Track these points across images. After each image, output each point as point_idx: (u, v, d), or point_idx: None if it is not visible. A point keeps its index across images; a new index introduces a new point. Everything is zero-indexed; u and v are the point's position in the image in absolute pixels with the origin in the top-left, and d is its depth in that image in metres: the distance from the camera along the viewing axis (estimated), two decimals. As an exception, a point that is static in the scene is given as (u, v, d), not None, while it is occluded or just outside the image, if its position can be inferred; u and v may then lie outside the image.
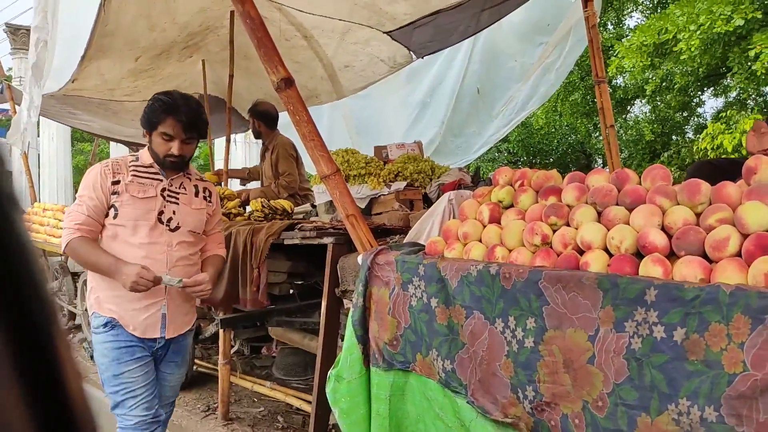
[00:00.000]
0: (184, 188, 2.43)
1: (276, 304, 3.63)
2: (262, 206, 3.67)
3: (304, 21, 3.91)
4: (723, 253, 1.49)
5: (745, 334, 1.27)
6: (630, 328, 1.47)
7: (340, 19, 3.87)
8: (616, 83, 12.07)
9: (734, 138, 7.31)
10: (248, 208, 4.03)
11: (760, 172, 1.60)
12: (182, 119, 2.24)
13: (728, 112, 8.27)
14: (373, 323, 2.12)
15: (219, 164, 6.30)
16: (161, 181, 2.36)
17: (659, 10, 10.55)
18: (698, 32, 6.71)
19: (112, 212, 2.27)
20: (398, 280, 2.01)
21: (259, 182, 5.02)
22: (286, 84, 1.98)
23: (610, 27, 12.11)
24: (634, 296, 1.47)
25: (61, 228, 2.72)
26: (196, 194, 2.46)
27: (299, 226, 3.16)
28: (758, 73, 6.80)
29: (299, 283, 3.77)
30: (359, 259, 2.19)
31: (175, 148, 2.28)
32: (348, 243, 2.69)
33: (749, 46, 6.74)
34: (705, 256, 1.54)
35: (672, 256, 1.61)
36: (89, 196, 2.25)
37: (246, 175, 5.19)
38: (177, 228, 2.36)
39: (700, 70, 8.46)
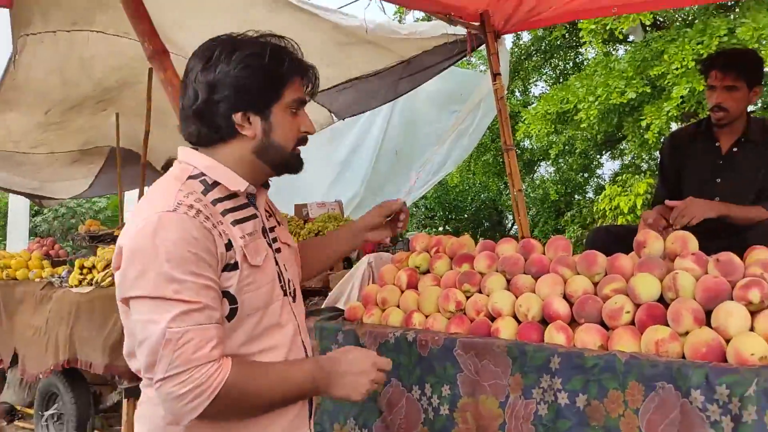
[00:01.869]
0: (268, 211, 1.42)
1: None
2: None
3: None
4: (618, 322, 1.61)
5: (639, 400, 1.38)
6: (537, 395, 1.54)
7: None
8: (524, 145, 12.85)
9: (629, 200, 7.94)
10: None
11: (649, 246, 1.76)
12: (312, 73, 1.34)
13: (624, 176, 9.01)
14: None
15: (128, 216, 6.05)
16: (256, 215, 1.33)
17: (561, 81, 11.47)
18: (596, 103, 7.36)
19: (222, 308, 1.23)
20: (316, 347, 2.01)
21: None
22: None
23: (517, 94, 12.99)
24: (540, 364, 1.56)
25: None
26: (270, 215, 1.44)
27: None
28: (650, 141, 7.49)
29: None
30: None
31: (307, 121, 1.35)
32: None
33: (641, 117, 7.44)
34: (603, 323, 1.66)
35: (573, 322, 1.73)
36: (204, 280, 1.15)
37: None
38: (294, 293, 1.41)
39: (599, 136, 9.21)
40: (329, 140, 5.45)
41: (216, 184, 1.26)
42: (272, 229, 1.38)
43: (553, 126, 8.46)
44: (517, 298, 1.83)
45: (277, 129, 1.28)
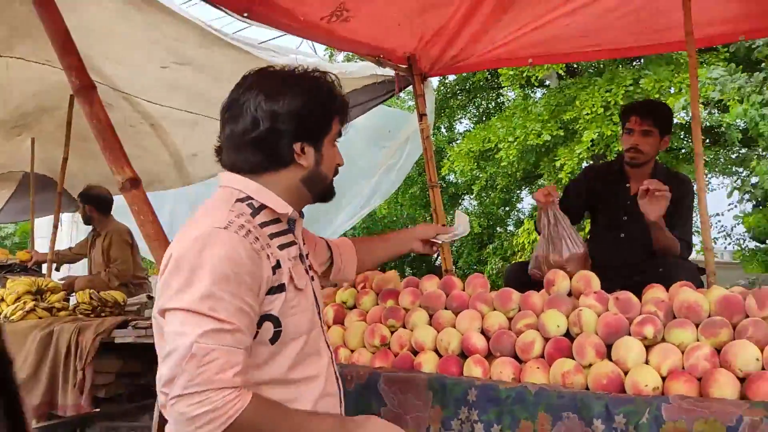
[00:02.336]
0: (303, 239, 1.45)
1: (101, 408, 3.32)
2: (90, 298, 3.41)
3: (152, 111, 3.89)
4: (530, 355, 1.73)
5: (548, 429, 1.48)
6: (456, 426, 1.62)
7: (191, 112, 3.91)
8: (450, 179, 13.29)
9: (546, 235, 8.37)
10: (73, 299, 3.71)
11: (557, 284, 1.91)
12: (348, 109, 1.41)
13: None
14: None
15: (39, 243, 5.74)
16: (295, 242, 1.36)
17: (484, 119, 12.03)
18: (515, 143, 7.79)
19: (265, 333, 1.23)
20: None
21: (87, 270, 4.67)
22: (131, 184, 1.97)
23: (443, 131, 13.47)
24: (459, 396, 1.64)
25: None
26: (304, 243, 1.47)
27: (133, 323, 2.99)
28: (563, 180, 7.98)
29: (130, 383, 3.49)
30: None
31: (340, 154, 1.41)
32: (189, 341, 2.61)
33: (556, 158, 7.92)
34: (516, 356, 1.78)
35: (490, 356, 1.83)
36: (242, 303, 1.14)
37: (70, 253, 4.83)
38: (323, 321, 1.46)
39: (518, 173, 9.70)
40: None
41: (262, 207, 1.28)
42: (306, 257, 1.42)
43: (475, 163, 8.85)
44: (438, 332, 1.92)
45: (325, 160, 1.35)
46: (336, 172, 1.41)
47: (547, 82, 10.15)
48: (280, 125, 1.26)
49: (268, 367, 1.23)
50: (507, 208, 13.51)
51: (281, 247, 1.28)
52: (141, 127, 4.21)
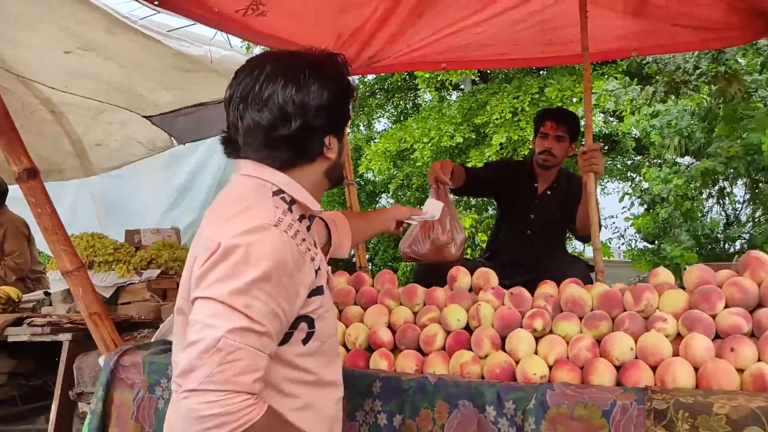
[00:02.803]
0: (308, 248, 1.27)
1: (-10, 411, 3.11)
2: (-20, 294, 3.18)
3: (52, 97, 3.66)
4: (432, 347, 1.82)
5: (445, 417, 1.58)
6: (360, 417, 1.68)
7: (94, 99, 3.72)
8: (368, 177, 13.40)
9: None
10: (-39, 296, 3.44)
11: (459, 280, 2.02)
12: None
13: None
14: (113, 430, 2.00)
15: None
16: (315, 244, 1.30)
17: (402, 119, 12.23)
18: (429, 144, 8.01)
19: (299, 334, 1.20)
20: (144, 382, 1.96)
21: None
22: (29, 175, 1.88)
23: (362, 129, 13.56)
24: (364, 388, 1.70)
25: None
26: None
27: (29, 320, 2.82)
28: (475, 181, 8.28)
29: (23, 383, 3.29)
30: (101, 360, 2.08)
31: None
32: (88, 339, 2.50)
33: (467, 159, 8.21)
34: (420, 349, 1.86)
35: (396, 349, 1.91)
36: (276, 307, 1.10)
37: None
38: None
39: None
40: (167, 165, 5.26)
41: (293, 202, 1.22)
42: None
43: (392, 162, 9.00)
44: (347, 327, 1.97)
45: (344, 149, 1.33)
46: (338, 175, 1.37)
47: (462, 86, 10.48)
48: (313, 121, 1.20)
49: (298, 368, 1.20)
50: (422, 207, 13.80)
51: (315, 246, 1.25)
52: (40, 114, 3.94)
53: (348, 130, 1.36)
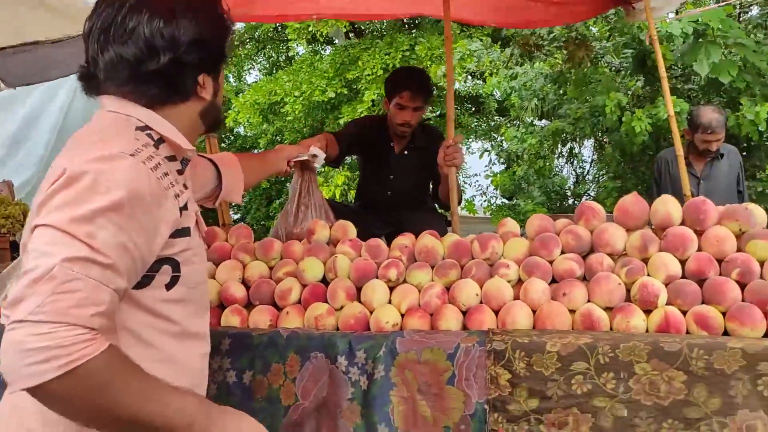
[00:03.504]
0: (172, 184, 1.15)
1: None
2: None
3: None
4: (287, 302, 1.78)
5: (296, 370, 1.55)
6: (209, 378, 1.60)
7: None
8: (239, 132, 12.87)
9: (330, 190, 8.65)
10: None
11: (317, 233, 1.97)
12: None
13: (325, 168, 9.76)
14: None
15: None
16: (186, 185, 1.20)
17: (274, 72, 11.81)
18: (301, 98, 7.80)
19: (162, 277, 1.10)
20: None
21: None
22: None
23: (231, 80, 12.90)
24: (214, 347, 1.61)
25: None
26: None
27: None
28: (347, 138, 8.24)
29: None
30: None
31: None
32: None
33: (340, 115, 8.14)
34: (276, 304, 1.81)
35: (250, 305, 1.84)
36: (127, 240, 0.99)
37: None
38: None
39: (305, 129, 9.76)
40: (-4, 110, 4.63)
41: (161, 141, 1.13)
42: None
43: (262, 116, 8.67)
44: (197, 284, 1.86)
45: (220, 89, 1.25)
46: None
47: (335, 40, 10.29)
48: (184, 56, 1.12)
49: (161, 316, 1.11)
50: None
51: (185, 186, 1.16)
52: None
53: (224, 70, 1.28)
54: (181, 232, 1.11)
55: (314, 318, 1.68)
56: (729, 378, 1.30)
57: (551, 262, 1.71)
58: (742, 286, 1.51)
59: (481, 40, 7.00)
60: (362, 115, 7.12)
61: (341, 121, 7.96)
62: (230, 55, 1.25)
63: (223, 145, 11.78)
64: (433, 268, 1.77)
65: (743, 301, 1.49)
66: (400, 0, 3.45)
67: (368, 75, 7.28)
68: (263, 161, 1.88)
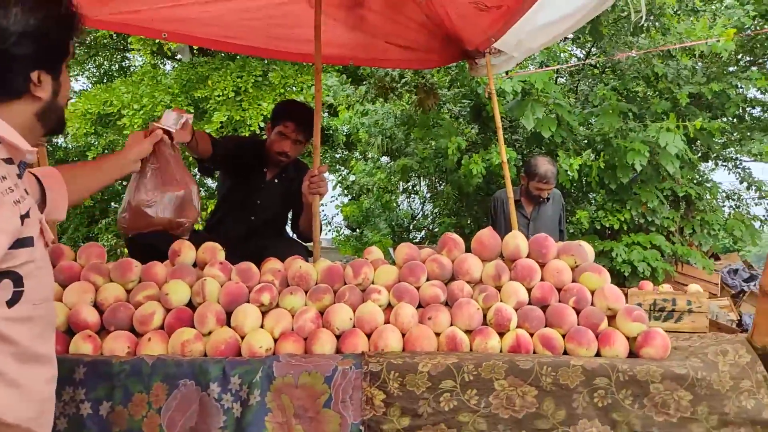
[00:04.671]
0: (11, 189, 1.03)
1: None
2: None
3: None
4: (149, 327, 1.66)
5: (162, 399, 1.45)
6: (58, 408, 1.44)
7: None
8: (58, 144, 11.62)
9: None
10: None
11: (182, 254, 1.88)
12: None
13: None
14: None
15: None
16: (26, 191, 1.08)
17: (105, 81, 10.92)
18: (141, 112, 7.30)
19: (2, 293, 0.97)
20: None
21: None
22: None
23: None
24: (64, 375, 1.45)
25: None
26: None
27: None
28: (189, 158, 7.87)
29: None
30: None
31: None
32: None
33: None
34: (134, 330, 1.68)
35: (104, 330, 1.68)
36: None
37: None
38: None
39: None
40: None
41: None
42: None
43: (93, 127, 7.95)
44: (38, 307, 1.66)
45: (63, 89, 1.15)
46: (68, 100, 1.19)
47: (179, 56, 9.85)
48: (15, 49, 1.04)
49: (2, 337, 0.98)
50: (125, 182, 12.58)
51: (25, 192, 1.05)
52: None
53: (66, 67, 1.16)
54: (22, 243, 1.00)
55: (180, 344, 1.59)
56: (572, 392, 1.49)
57: (418, 288, 1.82)
58: (578, 311, 1.75)
59: (336, 75, 7.21)
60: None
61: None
62: (73, 54, 1.16)
63: (40, 155, 10.50)
64: (306, 292, 1.79)
65: (579, 324, 1.72)
66: (260, 36, 3.44)
67: (218, 95, 7.07)
68: (100, 168, 1.64)
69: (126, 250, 2.52)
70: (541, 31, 2.98)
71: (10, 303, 0.99)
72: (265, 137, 3.00)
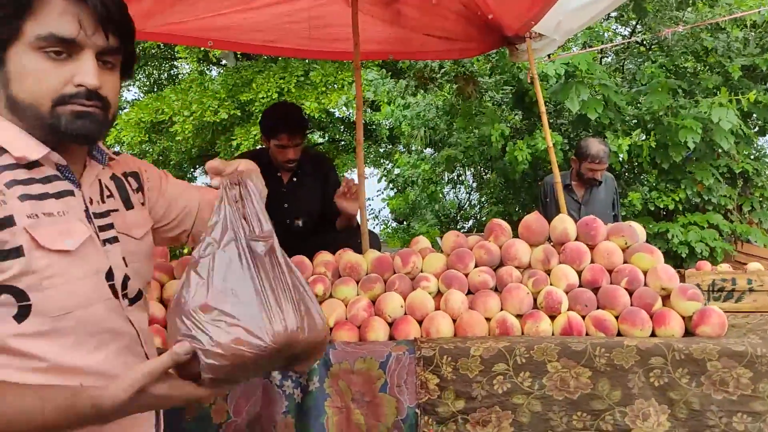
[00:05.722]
0: (108, 190, 1.07)
1: None
2: None
3: None
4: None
5: (228, 387, 1.53)
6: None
7: None
8: (117, 151, 12.12)
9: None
10: None
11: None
12: None
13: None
14: None
15: None
16: (72, 192, 0.99)
17: (155, 90, 11.31)
18: (191, 118, 7.55)
19: (4, 309, 0.88)
20: None
21: None
22: None
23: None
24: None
25: None
26: (110, 196, 1.07)
27: None
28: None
29: None
30: None
31: (84, 68, 0.94)
32: None
33: (233, 137, 7.98)
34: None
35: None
36: None
37: None
38: (138, 294, 1.07)
39: (193, 150, 9.43)
40: None
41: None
42: (105, 214, 1.03)
43: (147, 135, 8.27)
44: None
45: (17, 80, 0.92)
46: (73, 98, 0.93)
47: (224, 62, 10.11)
48: None
49: (19, 353, 0.90)
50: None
51: (27, 197, 0.92)
52: None
53: (29, 48, 0.91)
54: (6, 254, 0.88)
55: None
56: (627, 372, 1.49)
57: (467, 275, 1.84)
58: (630, 292, 1.74)
59: (375, 69, 7.26)
60: (256, 137, 7.05)
61: (234, 143, 7.82)
62: (43, 33, 0.90)
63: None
64: (357, 282, 1.84)
65: (632, 305, 1.71)
66: (299, 38, 3.51)
67: (263, 98, 7.23)
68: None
69: (186, 249, 2.64)
70: (581, 10, 2.93)
71: (19, 318, 0.90)
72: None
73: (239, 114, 7.72)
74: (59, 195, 0.96)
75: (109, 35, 0.94)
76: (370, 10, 3.16)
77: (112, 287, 1.00)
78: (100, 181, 1.06)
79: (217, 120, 7.57)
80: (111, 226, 1.03)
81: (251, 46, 3.74)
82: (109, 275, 0.99)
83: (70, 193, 0.98)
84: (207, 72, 10.62)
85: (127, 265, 1.04)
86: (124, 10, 0.98)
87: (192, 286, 0.90)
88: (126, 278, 1.03)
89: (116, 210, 1.06)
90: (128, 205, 1.10)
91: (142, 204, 1.15)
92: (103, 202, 1.04)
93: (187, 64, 9.12)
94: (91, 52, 0.93)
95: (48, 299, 0.91)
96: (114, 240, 1.03)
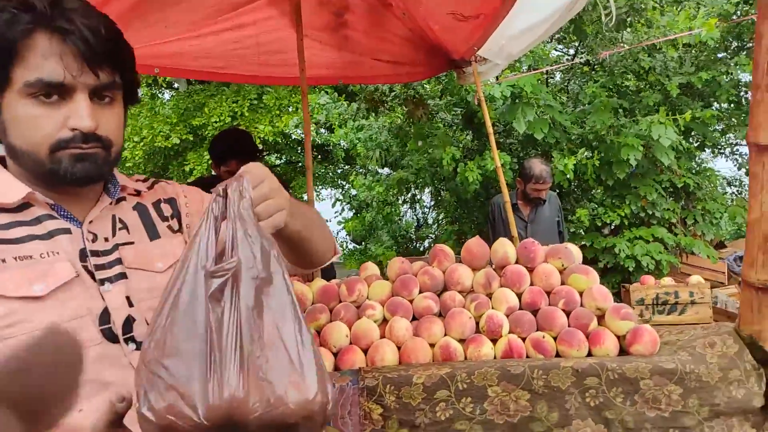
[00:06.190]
0: (122, 223, 1.01)
1: None
2: None
3: None
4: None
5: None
6: None
7: None
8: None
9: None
10: None
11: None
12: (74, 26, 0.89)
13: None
14: None
15: None
16: (68, 230, 0.94)
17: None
18: (141, 144, 7.43)
19: None
20: None
21: None
22: None
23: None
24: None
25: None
26: (151, 223, 1.04)
27: None
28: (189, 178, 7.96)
29: None
30: None
31: (77, 110, 0.89)
32: None
33: (185, 162, 7.87)
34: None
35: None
36: None
37: None
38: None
39: (146, 175, 9.26)
40: None
41: None
42: (111, 251, 0.96)
43: (95, 162, 8.08)
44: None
45: (12, 128, 0.89)
46: (69, 143, 0.89)
47: (176, 86, 10.00)
48: None
49: None
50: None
51: (4, 241, 0.87)
52: None
53: (20, 95, 0.88)
54: None
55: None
56: (564, 393, 1.53)
57: (411, 301, 1.87)
58: (567, 313, 1.79)
59: (327, 92, 7.31)
60: (210, 163, 6.97)
61: (187, 168, 7.72)
62: (32, 79, 0.86)
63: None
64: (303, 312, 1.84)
65: (569, 326, 1.76)
66: (248, 64, 3.52)
67: (215, 122, 7.18)
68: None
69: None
70: (522, 35, 3.04)
71: None
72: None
73: (191, 138, 7.63)
74: (49, 235, 0.92)
75: (99, 72, 0.89)
76: (319, 36, 3.20)
77: (108, 331, 0.92)
78: (114, 215, 1.01)
79: (169, 145, 7.47)
80: (117, 262, 0.97)
81: (200, 72, 3.73)
82: (104, 318, 0.92)
83: (65, 231, 0.94)
84: (159, 96, 10.47)
85: (132, 305, 0.95)
86: (115, 41, 0.93)
87: (153, 327, 0.75)
88: (130, 320, 0.94)
89: (131, 243, 1.00)
90: (153, 235, 1.04)
91: (176, 231, 1.07)
92: (113, 236, 0.99)
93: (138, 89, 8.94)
94: (84, 92, 0.89)
95: (7, 350, 0.80)
96: (120, 277, 0.96)
